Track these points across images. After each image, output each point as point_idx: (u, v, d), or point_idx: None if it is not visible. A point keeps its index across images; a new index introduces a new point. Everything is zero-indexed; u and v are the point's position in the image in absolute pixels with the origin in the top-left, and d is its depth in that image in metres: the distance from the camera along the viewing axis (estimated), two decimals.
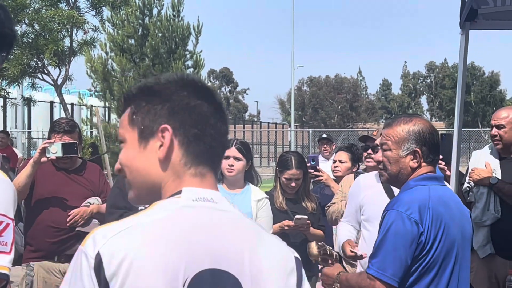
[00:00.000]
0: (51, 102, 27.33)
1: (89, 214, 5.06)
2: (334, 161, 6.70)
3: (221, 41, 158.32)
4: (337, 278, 3.28)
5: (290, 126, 45.69)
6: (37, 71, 13.84)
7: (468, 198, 5.42)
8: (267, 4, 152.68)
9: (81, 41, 14.00)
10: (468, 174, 5.48)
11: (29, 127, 28.03)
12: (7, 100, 15.75)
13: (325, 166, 7.89)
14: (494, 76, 68.22)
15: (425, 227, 2.93)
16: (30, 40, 13.40)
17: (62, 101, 14.49)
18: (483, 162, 5.42)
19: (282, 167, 5.33)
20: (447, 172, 5.16)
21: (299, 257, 1.73)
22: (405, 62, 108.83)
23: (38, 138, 28.56)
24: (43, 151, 4.90)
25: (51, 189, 5.09)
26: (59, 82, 13.94)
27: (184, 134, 1.65)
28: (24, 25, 13.58)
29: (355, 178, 5.10)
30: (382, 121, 60.58)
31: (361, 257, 4.14)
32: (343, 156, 6.58)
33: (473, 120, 62.99)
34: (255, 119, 67.79)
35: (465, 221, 3.16)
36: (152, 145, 1.65)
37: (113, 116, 20.58)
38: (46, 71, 13.86)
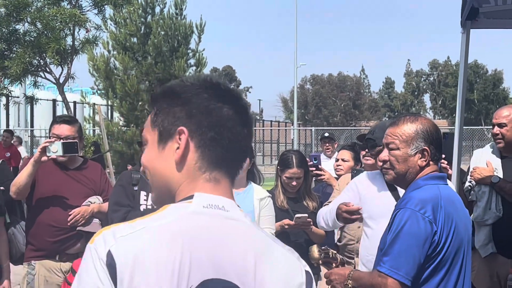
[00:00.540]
0: (54, 101, 27.36)
1: (90, 214, 5.06)
2: (337, 160, 6.69)
3: (224, 39, 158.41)
4: (350, 276, 3.28)
5: (292, 124, 45.68)
6: (39, 69, 13.85)
7: (470, 197, 5.42)
8: (269, 2, 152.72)
9: (83, 39, 14.00)
10: (469, 173, 5.47)
11: (32, 126, 28.05)
12: (10, 98, 15.80)
13: (327, 165, 7.89)
14: (497, 74, 68.21)
15: (438, 226, 2.93)
16: (32, 38, 13.41)
17: (65, 100, 14.50)
18: (485, 161, 5.41)
19: (283, 166, 5.33)
20: (449, 171, 5.15)
21: (310, 271, 1.69)
22: (408, 60, 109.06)
23: (40, 137, 28.59)
24: (44, 150, 4.90)
25: (52, 188, 5.09)
26: (61, 80, 13.95)
27: (200, 137, 1.63)
28: (26, 24, 13.60)
29: (352, 176, 5.09)
30: (385, 119, 60.57)
31: (358, 213, 4.11)
32: (346, 154, 6.57)
33: (476, 118, 62.97)
34: (258, 117, 67.79)
35: (468, 220, 3.18)
36: (170, 147, 1.65)
37: (116, 114, 20.62)
38: (48, 70, 13.87)
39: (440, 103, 73.02)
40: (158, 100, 1.70)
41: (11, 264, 5.10)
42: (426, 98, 77.47)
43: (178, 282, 1.52)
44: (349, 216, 4.13)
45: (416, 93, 76.67)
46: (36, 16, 13.00)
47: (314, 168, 5.89)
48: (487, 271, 5.33)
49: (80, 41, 13.97)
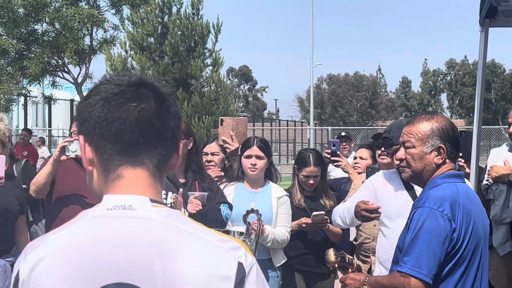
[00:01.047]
0: (72, 100, 27.51)
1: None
2: (355, 158, 6.70)
3: (240, 39, 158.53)
4: (365, 282, 3.28)
5: (309, 124, 45.64)
6: (57, 69, 13.92)
7: (487, 195, 5.41)
8: (286, 1, 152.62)
9: (101, 39, 14.07)
10: (487, 172, 5.46)
11: (50, 125, 28.23)
12: (28, 98, 15.86)
13: None
14: None
15: (457, 224, 2.93)
16: (50, 38, 13.49)
17: None
18: (502, 160, 5.40)
19: (300, 165, 5.35)
20: (467, 170, 5.14)
21: (245, 262, 1.54)
22: (425, 59, 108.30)
23: (58, 136, 28.77)
24: (63, 149, 4.93)
25: (72, 187, 5.12)
26: (79, 80, 14.02)
27: (92, 139, 1.59)
28: (44, 24, 13.68)
29: (367, 175, 5.09)
30: (401, 119, 60.34)
31: (378, 212, 4.09)
32: (364, 153, 6.57)
33: (493, 118, 62.57)
34: (274, 117, 67.83)
35: (485, 218, 3.18)
36: (84, 160, 1.66)
37: None
38: (66, 70, 13.94)
39: (457, 102, 72.66)
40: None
41: None
42: (443, 97, 77.15)
43: None
44: (368, 214, 4.11)
45: (433, 92, 76.31)
46: (54, 16, 13.08)
47: (332, 155, 5.89)
48: (505, 269, 5.32)
49: (98, 41, 14.04)
